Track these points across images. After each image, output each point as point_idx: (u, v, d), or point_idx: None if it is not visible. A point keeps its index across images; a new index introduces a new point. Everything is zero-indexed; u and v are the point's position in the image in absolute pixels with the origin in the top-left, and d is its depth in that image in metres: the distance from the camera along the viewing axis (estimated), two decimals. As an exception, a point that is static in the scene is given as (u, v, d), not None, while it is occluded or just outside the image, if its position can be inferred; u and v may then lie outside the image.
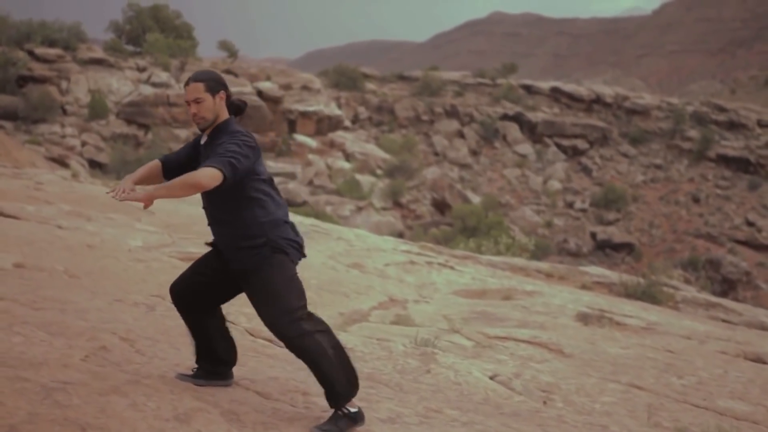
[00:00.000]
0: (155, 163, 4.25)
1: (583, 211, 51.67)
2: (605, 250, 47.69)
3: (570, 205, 52.14)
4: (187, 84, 4.11)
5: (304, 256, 4.21)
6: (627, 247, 48.10)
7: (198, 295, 4.24)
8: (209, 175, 3.82)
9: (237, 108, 4.20)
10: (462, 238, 30.14)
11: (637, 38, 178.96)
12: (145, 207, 3.96)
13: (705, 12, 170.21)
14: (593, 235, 48.52)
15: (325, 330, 4.05)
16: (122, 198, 3.84)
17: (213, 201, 4.10)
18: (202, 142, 4.18)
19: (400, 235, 32.37)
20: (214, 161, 3.87)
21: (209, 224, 4.19)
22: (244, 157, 3.92)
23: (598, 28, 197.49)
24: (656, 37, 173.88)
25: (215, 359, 4.37)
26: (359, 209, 38.30)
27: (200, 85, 4.06)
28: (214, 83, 4.09)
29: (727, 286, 41.95)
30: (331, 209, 36.18)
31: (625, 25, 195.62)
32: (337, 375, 4.00)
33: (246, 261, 4.05)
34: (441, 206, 43.59)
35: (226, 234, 4.11)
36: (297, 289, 4.01)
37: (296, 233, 4.16)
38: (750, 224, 51.31)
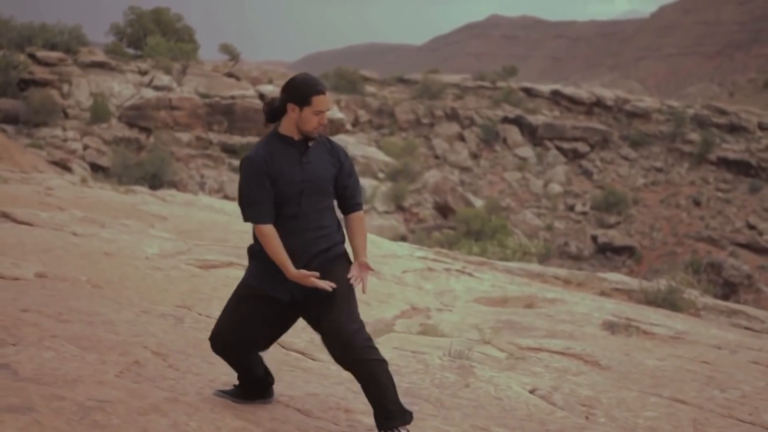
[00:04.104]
0: (272, 231, 3.91)
1: (584, 214, 51.53)
2: (606, 253, 47.54)
3: (571, 208, 51.99)
4: (323, 93, 3.92)
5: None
6: (628, 251, 47.95)
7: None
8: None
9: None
10: (466, 242, 29.97)
11: (635, 41, 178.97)
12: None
13: (702, 15, 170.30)
14: (594, 239, 48.37)
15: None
16: (361, 283, 3.95)
17: None
18: (305, 158, 3.94)
19: (403, 239, 32.26)
20: (360, 199, 4.15)
21: None
22: None
23: (595, 31, 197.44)
24: (654, 40, 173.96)
25: (259, 388, 4.30)
26: (362, 213, 38.05)
27: None
28: None
29: (728, 290, 41.76)
30: (333, 213, 35.96)
31: (623, 28, 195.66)
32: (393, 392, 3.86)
33: None
34: (443, 210, 43.39)
35: None
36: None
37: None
38: (751, 227, 51.19)
